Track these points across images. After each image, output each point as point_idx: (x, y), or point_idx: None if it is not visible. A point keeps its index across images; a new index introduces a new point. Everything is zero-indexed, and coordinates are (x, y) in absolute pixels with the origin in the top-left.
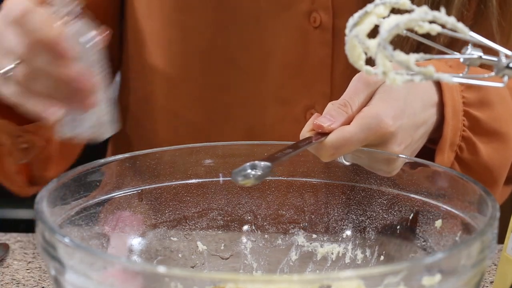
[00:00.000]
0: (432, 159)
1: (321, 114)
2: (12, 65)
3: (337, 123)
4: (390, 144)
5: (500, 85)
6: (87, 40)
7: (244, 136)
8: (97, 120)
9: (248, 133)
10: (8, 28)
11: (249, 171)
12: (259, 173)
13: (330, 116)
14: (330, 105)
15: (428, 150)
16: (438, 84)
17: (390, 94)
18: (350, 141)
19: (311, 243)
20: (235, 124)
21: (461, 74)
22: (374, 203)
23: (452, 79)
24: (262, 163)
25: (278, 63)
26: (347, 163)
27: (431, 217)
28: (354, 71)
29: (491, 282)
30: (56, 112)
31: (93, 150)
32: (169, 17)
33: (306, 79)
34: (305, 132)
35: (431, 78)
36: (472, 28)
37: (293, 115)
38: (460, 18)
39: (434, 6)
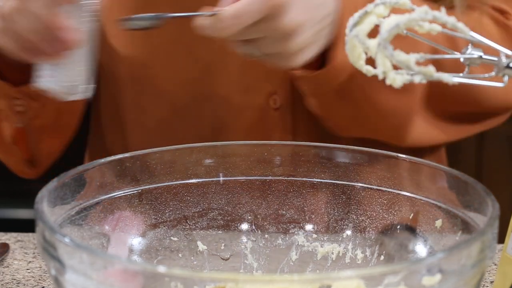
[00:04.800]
0: None
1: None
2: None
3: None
4: (284, 15)
5: (500, 84)
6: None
7: (211, 127)
8: (72, 77)
9: (215, 124)
10: None
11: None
12: (144, 21)
13: None
14: None
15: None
16: None
17: None
18: (243, 11)
19: (311, 243)
20: (201, 116)
21: (461, 74)
22: (374, 203)
23: (452, 79)
24: (150, 14)
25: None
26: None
27: (431, 217)
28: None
29: (491, 282)
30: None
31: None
32: (130, 12)
33: (266, 66)
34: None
35: (431, 78)
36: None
37: (257, 102)
38: None
39: None
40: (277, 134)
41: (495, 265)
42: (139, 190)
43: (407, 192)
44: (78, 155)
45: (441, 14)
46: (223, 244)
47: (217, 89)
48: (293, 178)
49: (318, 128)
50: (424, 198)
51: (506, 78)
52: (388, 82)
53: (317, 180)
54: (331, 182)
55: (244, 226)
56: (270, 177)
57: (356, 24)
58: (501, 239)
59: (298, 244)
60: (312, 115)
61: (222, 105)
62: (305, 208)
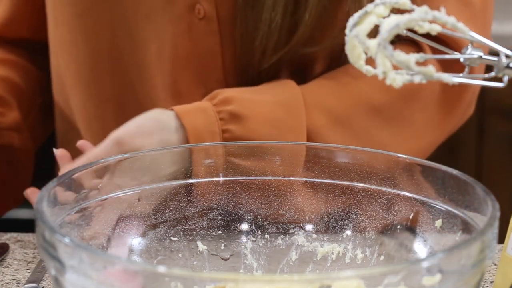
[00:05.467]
0: None
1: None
2: None
3: None
4: None
5: (500, 85)
6: None
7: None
8: None
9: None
10: None
11: None
12: None
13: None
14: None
15: None
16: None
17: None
18: None
19: (311, 243)
20: (128, 117)
21: (461, 74)
22: (374, 203)
23: (452, 79)
24: None
25: (169, 57)
26: None
27: (431, 217)
28: (243, 55)
29: (491, 282)
30: None
31: None
32: (71, 22)
33: (198, 69)
34: None
35: (431, 78)
36: None
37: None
38: None
39: None
40: (204, 44)
41: (495, 265)
42: (139, 190)
43: (407, 192)
44: None
45: (441, 14)
46: (223, 244)
47: (152, 95)
48: (293, 178)
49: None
50: (424, 198)
51: (506, 78)
52: (388, 82)
53: (317, 180)
54: (331, 182)
55: (244, 226)
56: (270, 177)
57: (356, 24)
58: (501, 239)
59: (298, 244)
60: (238, 24)
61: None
62: (305, 208)
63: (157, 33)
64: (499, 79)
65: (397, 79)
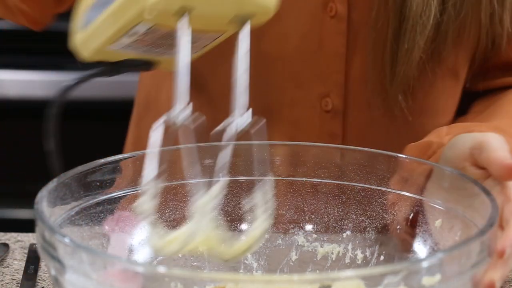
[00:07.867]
0: None
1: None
2: None
3: None
4: None
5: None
6: None
7: (261, 114)
8: None
9: (265, 112)
10: None
11: None
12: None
13: None
14: None
15: None
16: None
17: None
18: None
19: (311, 243)
20: (253, 101)
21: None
22: (374, 203)
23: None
24: None
25: (294, 48)
26: None
27: (431, 217)
28: (373, 62)
29: None
30: None
31: (96, 150)
32: None
33: (321, 67)
34: None
35: None
36: None
37: (308, 100)
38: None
39: None
40: (325, 136)
41: None
42: (139, 190)
43: (407, 192)
44: (81, 155)
45: None
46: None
47: (271, 78)
48: (293, 178)
49: (368, 135)
50: (424, 198)
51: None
52: None
53: (317, 180)
54: (331, 182)
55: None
56: (270, 177)
57: None
58: None
59: (298, 244)
60: (364, 121)
61: (273, 95)
62: (305, 208)
63: (286, 22)
64: None
65: None
